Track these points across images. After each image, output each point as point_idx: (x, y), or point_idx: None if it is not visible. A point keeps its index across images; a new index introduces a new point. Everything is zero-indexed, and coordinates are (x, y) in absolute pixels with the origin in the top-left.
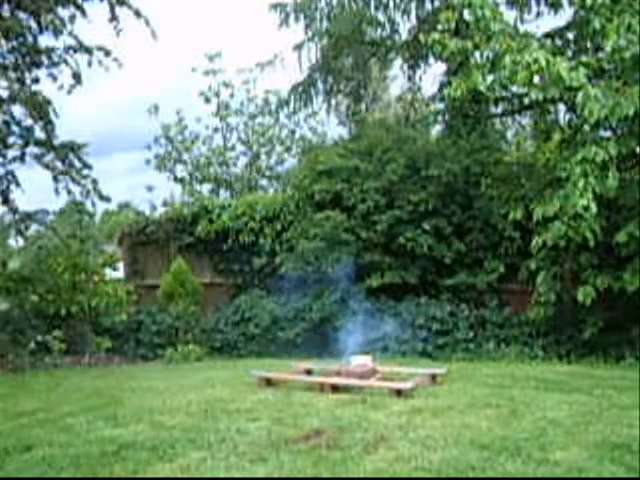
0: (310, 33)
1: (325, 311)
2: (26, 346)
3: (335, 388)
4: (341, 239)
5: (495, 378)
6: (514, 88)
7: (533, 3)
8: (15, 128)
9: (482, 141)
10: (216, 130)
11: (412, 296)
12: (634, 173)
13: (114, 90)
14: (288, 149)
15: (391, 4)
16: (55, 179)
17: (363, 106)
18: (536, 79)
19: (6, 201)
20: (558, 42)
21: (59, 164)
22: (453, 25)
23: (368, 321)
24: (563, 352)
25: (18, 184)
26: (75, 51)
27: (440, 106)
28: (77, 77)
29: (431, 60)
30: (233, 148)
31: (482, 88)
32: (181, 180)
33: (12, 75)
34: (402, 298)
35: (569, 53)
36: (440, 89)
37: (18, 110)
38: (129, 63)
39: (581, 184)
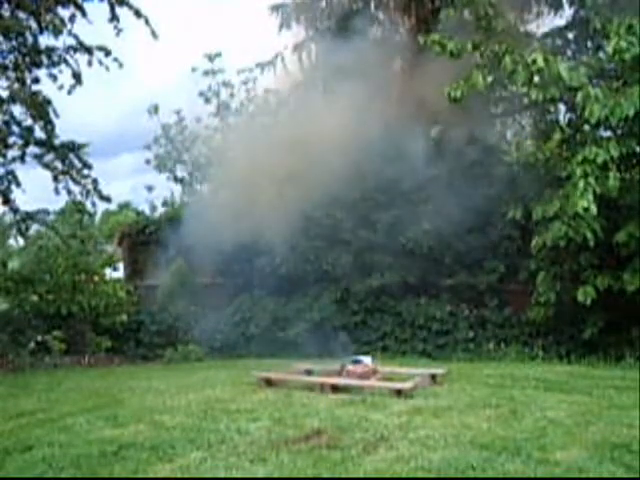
0: (310, 33)
1: (325, 311)
2: (26, 346)
3: (335, 388)
4: (341, 238)
5: (495, 378)
6: (514, 88)
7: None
8: (15, 128)
9: (482, 141)
10: (216, 130)
11: (412, 296)
12: (634, 173)
13: (120, 90)
14: None
15: (391, 4)
16: (55, 179)
17: None
18: (536, 78)
19: (7, 201)
20: (558, 42)
21: (59, 164)
22: (454, 23)
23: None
24: (563, 352)
25: (18, 184)
26: (75, 51)
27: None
28: (77, 77)
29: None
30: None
31: (482, 88)
32: (181, 180)
33: (12, 75)
34: (402, 298)
35: (569, 53)
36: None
37: (18, 110)
38: (131, 63)
39: (581, 185)
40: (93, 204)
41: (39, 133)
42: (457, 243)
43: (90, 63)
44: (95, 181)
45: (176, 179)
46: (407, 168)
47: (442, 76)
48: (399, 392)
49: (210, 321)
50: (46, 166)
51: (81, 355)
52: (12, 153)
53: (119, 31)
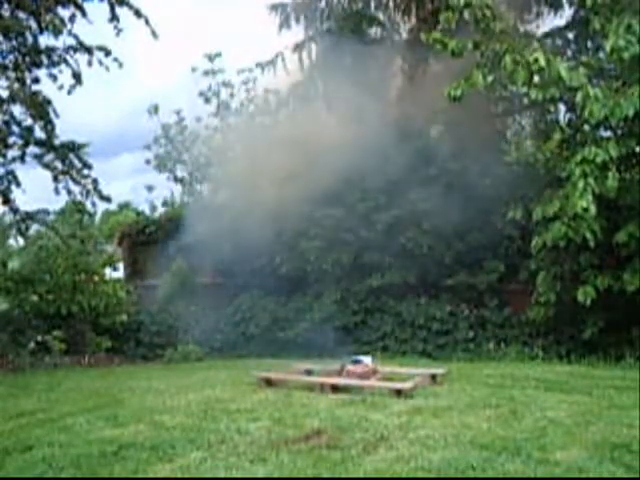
0: (310, 33)
1: (325, 311)
2: (26, 346)
3: (335, 388)
4: (341, 238)
5: (495, 378)
6: (514, 88)
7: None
8: (15, 128)
9: (482, 141)
10: (216, 130)
11: (412, 296)
12: (634, 173)
13: (120, 90)
14: None
15: (391, 4)
16: (55, 179)
17: None
18: (536, 78)
19: (7, 201)
20: (558, 42)
21: (59, 164)
22: (454, 25)
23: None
24: (563, 352)
25: (18, 184)
26: (75, 51)
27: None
28: (77, 77)
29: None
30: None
31: (482, 88)
32: (181, 180)
33: (12, 75)
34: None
35: (569, 53)
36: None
37: (18, 110)
38: (131, 63)
39: (581, 185)
40: (93, 204)
41: (39, 133)
42: (457, 243)
43: (90, 63)
44: (95, 181)
45: (176, 179)
46: (407, 168)
47: (442, 76)
48: (399, 392)
49: (210, 321)
50: (46, 166)
51: (81, 355)
52: (12, 153)
53: (119, 31)
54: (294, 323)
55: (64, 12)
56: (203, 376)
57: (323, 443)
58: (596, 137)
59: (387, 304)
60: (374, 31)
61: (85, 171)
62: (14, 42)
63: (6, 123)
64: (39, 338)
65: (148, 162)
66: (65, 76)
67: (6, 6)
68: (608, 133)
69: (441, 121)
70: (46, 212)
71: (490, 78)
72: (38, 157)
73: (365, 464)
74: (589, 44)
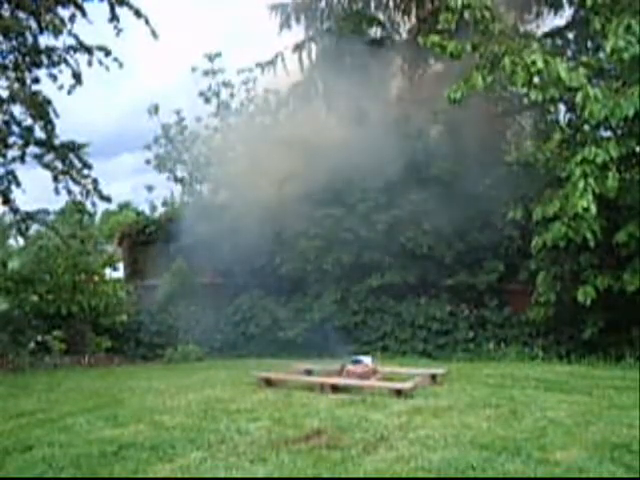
0: (310, 33)
1: (325, 311)
2: (26, 346)
3: (335, 388)
4: (341, 238)
5: (495, 378)
6: (514, 89)
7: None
8: (15, 128)
9: (482, 141)
10: (216, 130)
11: (412, 296)
12: (634, 173)
13: (120, 90)
14: None
15: (391, 4)
16: (55, 179)
17: None
18: (536, 79)
19: (7, 201)
20: (558, 42)
21: (59, 164)
22: (453, 27)
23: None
24: (563, 352)
25: (18, 184)
26: (75, 51)
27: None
28: (77, 77)
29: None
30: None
31: (481, 89)
32: (181, 180)
33: (12, 75)
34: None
35: (569, 53)
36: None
37: (18, 110)
38: (131, 63)
39: (581, 185)
40: (93, 204)
41: (39, 133)
42: (457, 243)
43: (90, 63)
44: (95, 181)
45: (176, 179)
46: (407, 168)
47: (442, 76)
48: (399, 392)
49: (210, 321)
50: (46, 166)
51: (81, 355)
52: (12, 153)
53: (119, 31)
54: (294, 323)
55: (64, 12)
56: (203, 376)
57: (323, 443)
58: (596, 137)
59: (387, 304)
60: (374, 31)
61: (85, 171)
62: (14, 42)
63: (6, 123)
64: (39, 338)
65: (148, 162)
66: (65, 76)
67: (6, 6)
68: (608, 133)
69: (441, 121)
70: (46, 212)
71: (489, 79)
72: (38, 157)
73: (365, 464)
74: (589, 44)
